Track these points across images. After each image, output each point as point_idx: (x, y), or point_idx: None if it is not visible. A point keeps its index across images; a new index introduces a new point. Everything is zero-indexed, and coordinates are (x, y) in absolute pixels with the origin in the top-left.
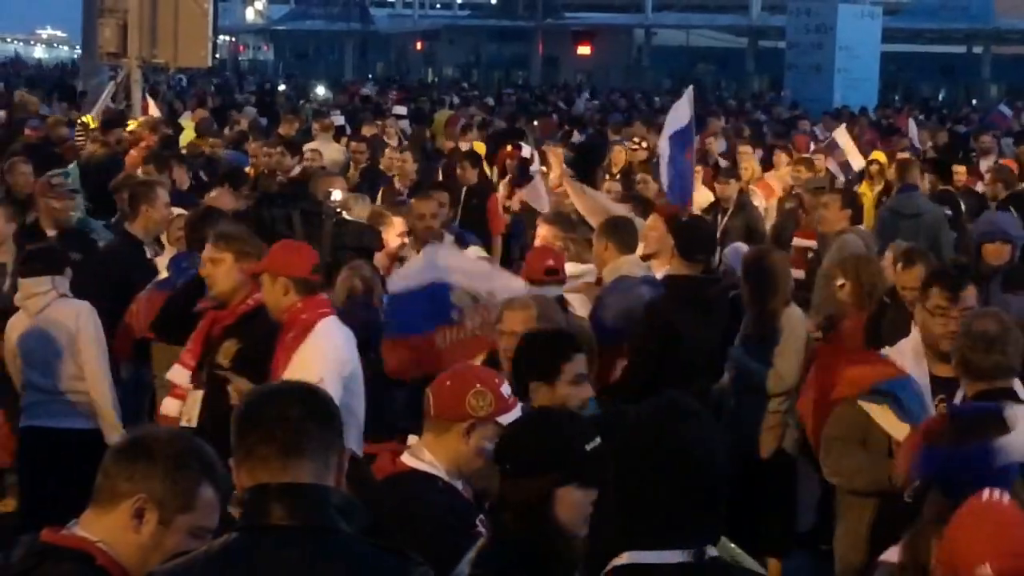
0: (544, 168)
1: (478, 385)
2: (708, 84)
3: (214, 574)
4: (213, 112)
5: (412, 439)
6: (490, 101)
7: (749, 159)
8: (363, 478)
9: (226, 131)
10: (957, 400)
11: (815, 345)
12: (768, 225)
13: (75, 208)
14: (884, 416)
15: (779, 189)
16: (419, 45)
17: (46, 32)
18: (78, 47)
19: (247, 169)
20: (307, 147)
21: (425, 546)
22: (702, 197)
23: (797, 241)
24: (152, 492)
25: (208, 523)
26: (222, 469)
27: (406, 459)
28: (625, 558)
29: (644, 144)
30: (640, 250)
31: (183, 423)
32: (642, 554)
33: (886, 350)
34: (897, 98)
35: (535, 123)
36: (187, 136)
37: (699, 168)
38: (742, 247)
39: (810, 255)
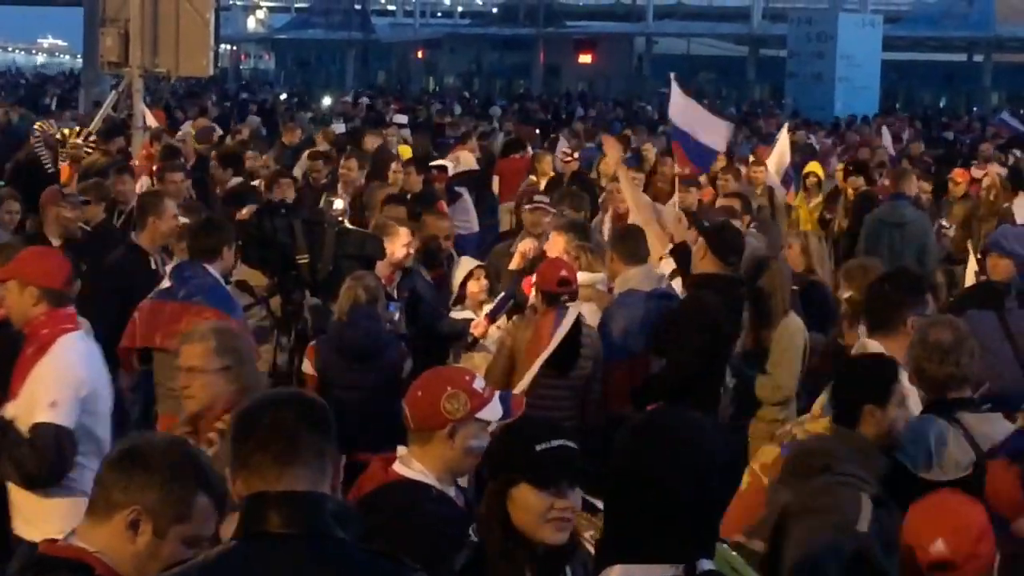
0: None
1: (449, 388)
2: (709, 93)
3: None
4: (216, 121)
5: (401, 449)
6: (492, 111)
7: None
8: None
9: (227, 140)
10: None
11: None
12: None
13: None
14: None
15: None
16: (420, 54)
17: (47, 41)
18: (79, 56)
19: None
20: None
21: (417, 555)
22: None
23: None
24: (147, 503)
25: (204, 532)
26: (217, 478)
27: (398, 468)
28: (616, 572)
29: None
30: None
31: None
32: (632, 568)
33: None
34: (898, 106)
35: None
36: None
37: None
38: None
39: None
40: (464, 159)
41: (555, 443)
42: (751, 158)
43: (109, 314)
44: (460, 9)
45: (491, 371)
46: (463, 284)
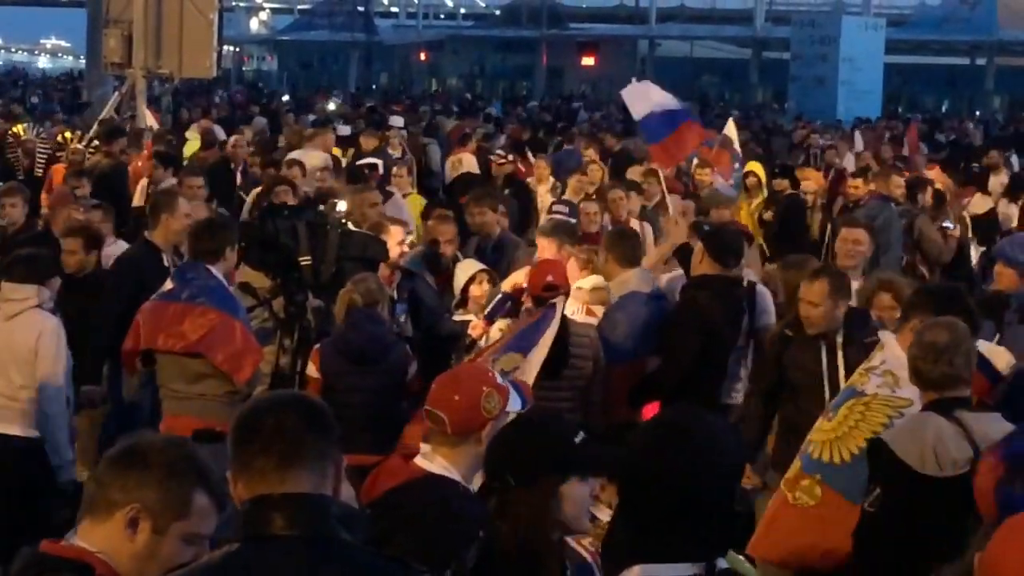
0: None
1: (485, 388)
2: (712, 96)
3: None
4: (220, 122)
5: (424, 446)
6: (493, 112)
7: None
8: None
9: (230, 141)
10: None
11: None
12: None
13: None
14: None
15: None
16: (423, 55)
17: (51, 42)
18: (83, 57)
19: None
20: (288, 156)
21: (445, 550)
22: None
23: None
24: (145, 500)
25: (203, 530)
26: (217, 476)
27: (420, 462)
28: (636, 572)
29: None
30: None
31: None
32: (654, 567)
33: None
34: (900, 110)
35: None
36: (191, 148)
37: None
38: None
39: None
40: (466, 161)
41: (582, 434)
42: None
43: (119, 310)
44: (463, 11)
45: None
46: (465, 288)
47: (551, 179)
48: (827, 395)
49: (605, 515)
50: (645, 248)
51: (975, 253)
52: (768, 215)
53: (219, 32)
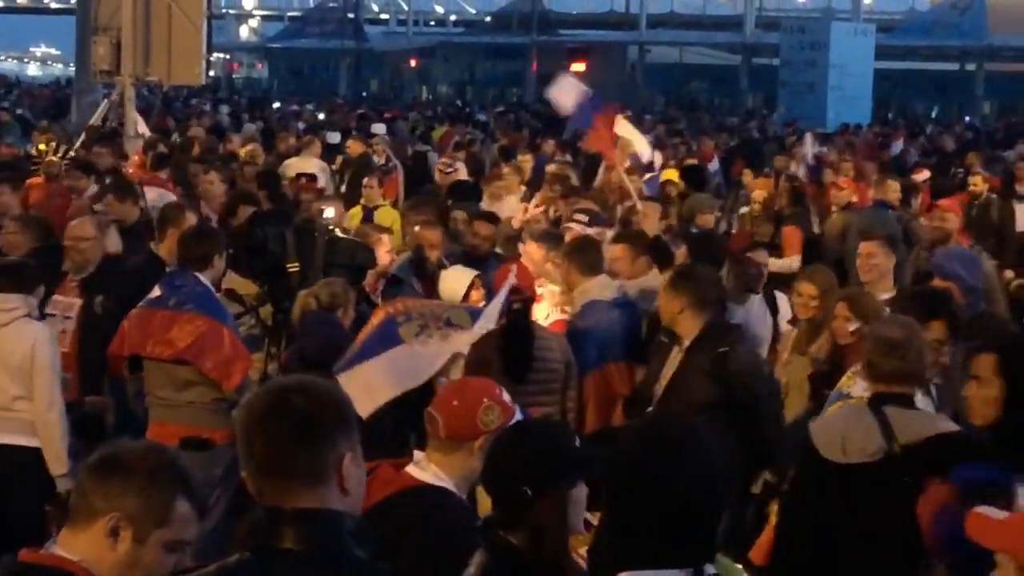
0: None
1: (486, 400)
2: (702, 101)
3: None
4: (210, 131)
5: (418, 454)
6: (482, 117)
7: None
8: None
9: (221, 147)
10: None
11: None
12: None
13: None
14: None
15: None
16: (413, 62)
17: (40, 50)
18: (72, 65)
19: None
20: (285, 164)
21: (438, 561)
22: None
23: None
24: (126, 508)
25: (185, 536)
26: (199, 483)
27: (412, 471)
28: None
29: (457, 167)
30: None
31: None
32: (641, 574)
33: None
34: (891, 115)
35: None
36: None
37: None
38: None
39: None
40: (463, 168)
41: (576, 436)
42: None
43: (119, 320)
44: (453, 18)
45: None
46: (466, 295)
47: (521, 188)
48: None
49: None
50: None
51: None
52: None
53: (208, 39)
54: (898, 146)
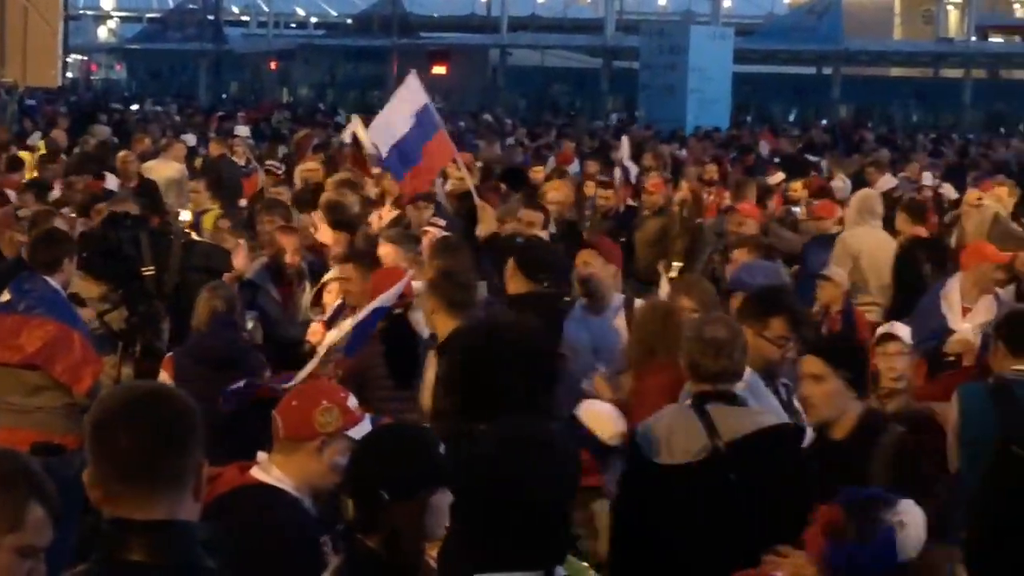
0: None
1: (324, 401)
2: (563, 104)
3: None
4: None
5: (261, 455)
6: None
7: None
8: None
9: (75, 151)
10: None
11: None
12: None
13: None
14: None
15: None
16: (273, 65)
17: None
18: None
19: None
20: (144, 165)
21: (273, 558)
22: None
23: None
24: None
25: (38, 542)
26: (52, 487)
27: (256, 473)
28: None
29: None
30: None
31: None
32: None
33: None
34: (749, 119)
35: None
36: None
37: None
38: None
39: None
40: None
41: (440, 443)
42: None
43: None
44: (314, 20)
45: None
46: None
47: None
48: None
49: None
50: None
51: None
52: None
53: (65, 40)
54: (765, 147)
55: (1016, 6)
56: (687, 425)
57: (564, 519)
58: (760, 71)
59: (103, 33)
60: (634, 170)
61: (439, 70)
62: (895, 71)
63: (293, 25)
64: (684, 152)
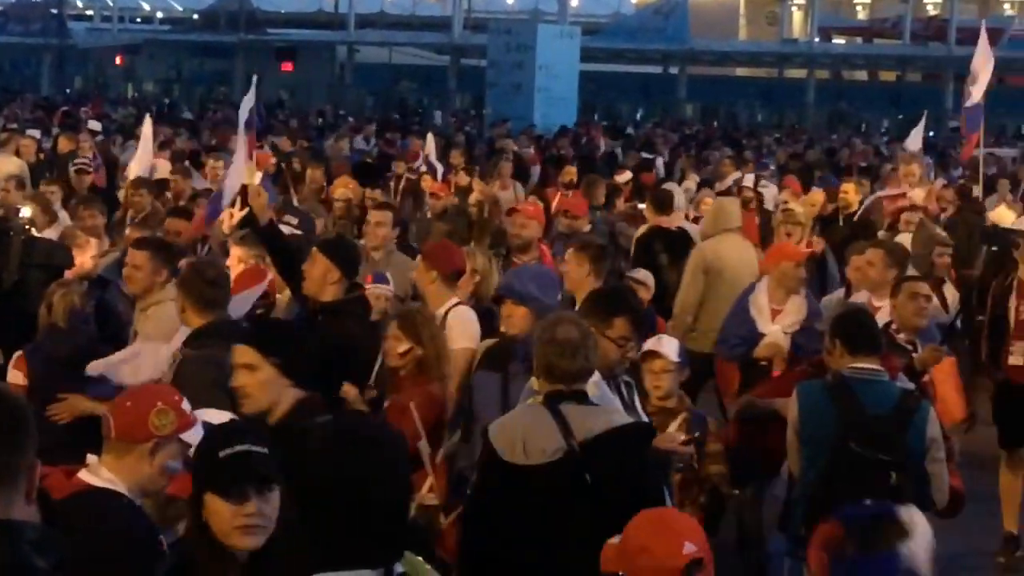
0: None
1: (159, 404)
2: (411, 102)
3: None
4: None
5: (91, 458)
6: (189, 115)
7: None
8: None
9: None
10: None
11: None
12: None
13: None
14: None
15: None
16: (119, 60)
17: None
18: None
19: None
20: None
21: (112, 563)
22: None
23: None
24: None
25: None
26: None
27: (84, 476)
28: None
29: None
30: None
31: None
32: (334, 575)
33: None
34: (596, 117)
35: None
36: None
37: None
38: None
39: None
40: (161, 168)
41: (238, 448)
42: None
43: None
44: (160, 15)
45: None
46: None
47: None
48: None
49: None
50: None
51: None
52: None
53: None
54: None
55: (858, 8)
56: (542, 425)
57: (402, 515)
58: (607, 70)
59: None
60: (440, 168)
61: (286, 67)
62: (740, 71)
63: (139, 20)
64: (531, 151)
